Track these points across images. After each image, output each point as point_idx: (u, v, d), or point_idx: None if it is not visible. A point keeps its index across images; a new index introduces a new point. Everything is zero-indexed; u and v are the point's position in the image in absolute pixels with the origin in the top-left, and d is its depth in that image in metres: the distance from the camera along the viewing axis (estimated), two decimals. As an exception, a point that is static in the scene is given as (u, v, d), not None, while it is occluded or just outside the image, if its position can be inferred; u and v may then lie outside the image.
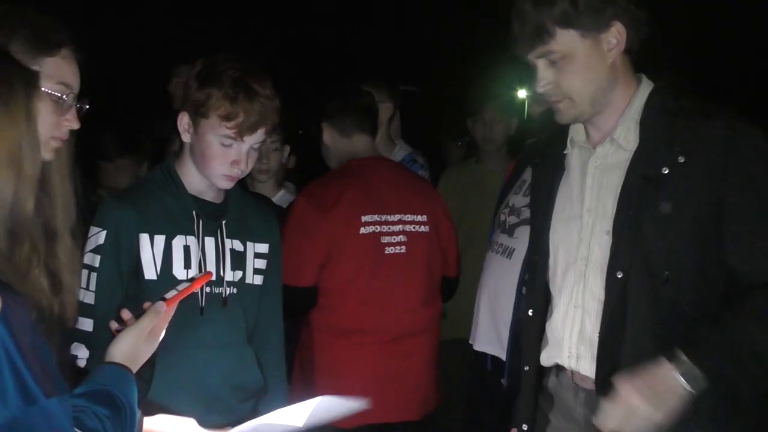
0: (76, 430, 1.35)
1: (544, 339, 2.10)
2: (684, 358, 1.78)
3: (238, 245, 2.25)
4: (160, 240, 2.16)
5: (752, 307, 1.83)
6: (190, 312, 2.13)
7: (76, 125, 1.83)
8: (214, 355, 2.17)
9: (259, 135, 2.17)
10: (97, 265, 2.11)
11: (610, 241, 1.94)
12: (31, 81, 1.42)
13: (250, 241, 2.28)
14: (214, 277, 2.18)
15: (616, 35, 1.93)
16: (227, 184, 2.21)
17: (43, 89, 1.76)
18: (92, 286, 2.10)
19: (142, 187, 2.25)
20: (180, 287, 1.77)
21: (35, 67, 1.76)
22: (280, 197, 3.44)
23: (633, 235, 1.91)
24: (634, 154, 1.96)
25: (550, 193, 2.12)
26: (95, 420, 1.42)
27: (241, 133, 2.13)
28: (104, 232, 2.12)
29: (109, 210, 2.15)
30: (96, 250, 2.11)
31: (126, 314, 1.73)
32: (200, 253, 2.18)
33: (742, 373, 1.81)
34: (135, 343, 1.64)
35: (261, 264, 2.30)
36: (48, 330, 1.76)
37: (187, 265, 2.16)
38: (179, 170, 2.24)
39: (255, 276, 2.29)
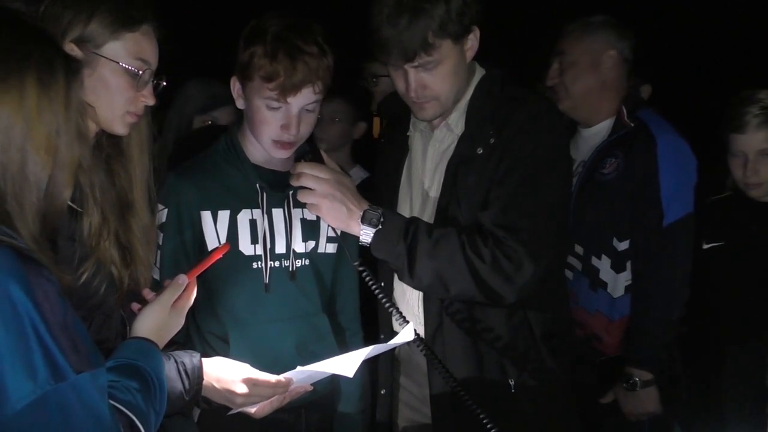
0: (111, 402, 1.36)
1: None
2: None
3: (309, 214, 2.15)
4: (224, 215, 2.10)
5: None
6: (255, 289, 2.11)
7: (151, 101, 1.83)
8: (285, 326, 2.12)
9: (306, 95, 2.03)
10: (161, 242, 2.08)
11: (434, 218, 2.14)
12: (73, 69, 1.41)
13: None
14: (284, 250, 2.13)
15: (473, 39, 2.13)
16: (281, 153, 2.10)
17: (120, 63, 1.76)
18: (158, 263, 2.08)
19: (207, 160, 2.17)
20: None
21: (115, 42, 1.77)
22: (354, 174, 3.25)
23: (452, 210, 2.11)
24: (459, 137, 2.17)
25: (396, 171, 2.31)
26: (127, 393, 1.42)
27: (284, 94, 2.01)
28: (166, 210, 2.09)
29: (170, 188, 2.11)
30: (160, 228, 2.09)
31: (147, 293, 1.73)
32: (265, 226, 2.11)
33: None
34: (159, 317, 1.66)
35: (335, 231, 2.19)
36: (119, 301, 1.76)
37: (254, 240, 2.10)
38: (241, 140, 2.16)
39: (328, 244, 2.21)
